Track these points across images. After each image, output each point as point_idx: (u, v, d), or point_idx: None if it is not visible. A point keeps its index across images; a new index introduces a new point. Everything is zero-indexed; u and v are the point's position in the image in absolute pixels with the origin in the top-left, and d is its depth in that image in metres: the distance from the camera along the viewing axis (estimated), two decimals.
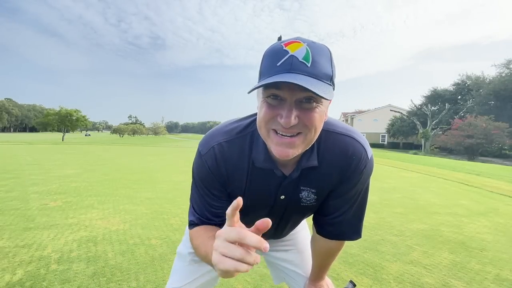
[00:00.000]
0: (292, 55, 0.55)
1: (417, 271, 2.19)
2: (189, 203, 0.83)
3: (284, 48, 0.56)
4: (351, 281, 0.96)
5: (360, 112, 47.93)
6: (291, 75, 0.53)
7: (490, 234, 3.14)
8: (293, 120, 0.56)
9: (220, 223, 0.78)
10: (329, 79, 0.58)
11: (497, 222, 3.62)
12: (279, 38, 0.62)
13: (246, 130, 0.72)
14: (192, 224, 0.78)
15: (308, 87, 0.51)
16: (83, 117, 34.95)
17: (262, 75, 0.60)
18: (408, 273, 2.15)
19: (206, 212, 0.77)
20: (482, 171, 9.78)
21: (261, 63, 0.61)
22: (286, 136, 0.59)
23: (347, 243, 0.86)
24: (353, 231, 0.81)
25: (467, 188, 6.18)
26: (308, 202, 0.77)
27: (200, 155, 0.73)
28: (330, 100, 0.59)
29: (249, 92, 0.57)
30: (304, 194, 0.76)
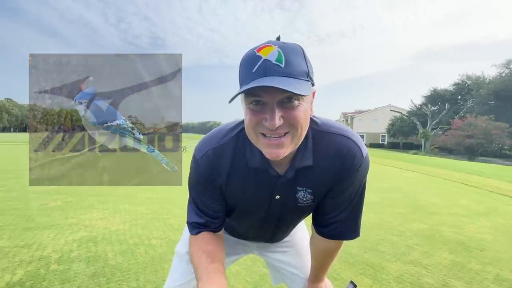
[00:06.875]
0: (265, 59, 0.57)
1: (417, 271, 2.19)
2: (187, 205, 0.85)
3: (257, 54, 0.58)
4: (351, 282, 0.95)
5: (360, 112, 47.87)
6: (267, 79, 0.56)
7: (490, 234, 3.14)
8: (278, 121, 0.58)
9: (219, 226, 0.82)
10: (306, 75, 0.60)
11: (497, 222, 3.62)
12: (278, 39, 0.63)
13: (239, 133, 0.74)
14: (195, 228, 0.80)
15: (285, 87, 0.53)
16: None
17: (241, 83, 0.62)
18: (408, 273, 2.15)
19: (205, 215, 0.79)
20: (482, 171, 9.78)
21: (239, 72, 0.63)
22: (274, 137, 0.61)
23: (347, 242, 0.86)
24: (351, 230, 0.81)
25: (467, 188, 6.18)
26: (305, 202, 0.78)
27: (195, 160, 0.75)
28: (313, 94, 0.61)
29: (229, 102, 0.59)
30: (300, 194, 0.76)
